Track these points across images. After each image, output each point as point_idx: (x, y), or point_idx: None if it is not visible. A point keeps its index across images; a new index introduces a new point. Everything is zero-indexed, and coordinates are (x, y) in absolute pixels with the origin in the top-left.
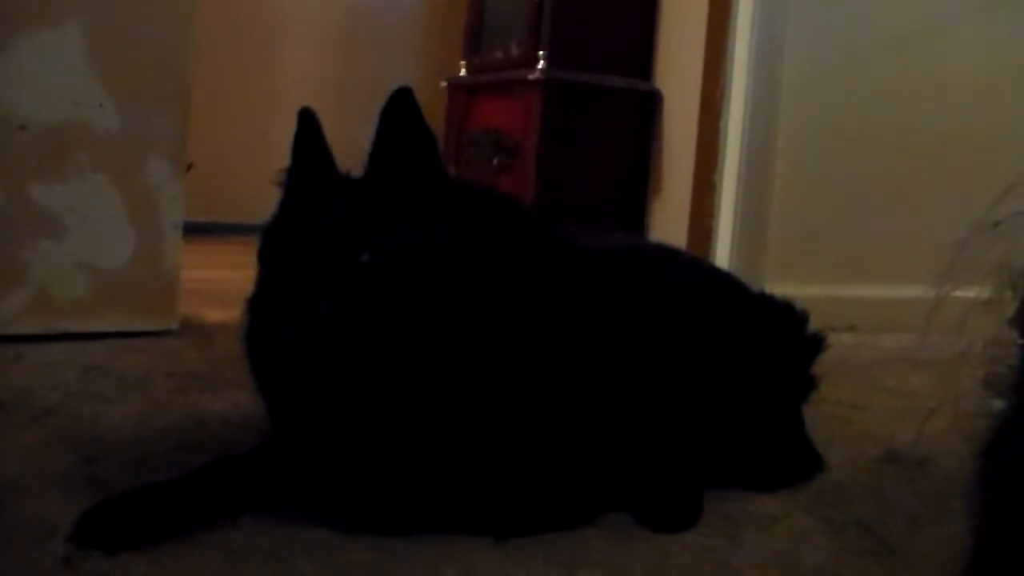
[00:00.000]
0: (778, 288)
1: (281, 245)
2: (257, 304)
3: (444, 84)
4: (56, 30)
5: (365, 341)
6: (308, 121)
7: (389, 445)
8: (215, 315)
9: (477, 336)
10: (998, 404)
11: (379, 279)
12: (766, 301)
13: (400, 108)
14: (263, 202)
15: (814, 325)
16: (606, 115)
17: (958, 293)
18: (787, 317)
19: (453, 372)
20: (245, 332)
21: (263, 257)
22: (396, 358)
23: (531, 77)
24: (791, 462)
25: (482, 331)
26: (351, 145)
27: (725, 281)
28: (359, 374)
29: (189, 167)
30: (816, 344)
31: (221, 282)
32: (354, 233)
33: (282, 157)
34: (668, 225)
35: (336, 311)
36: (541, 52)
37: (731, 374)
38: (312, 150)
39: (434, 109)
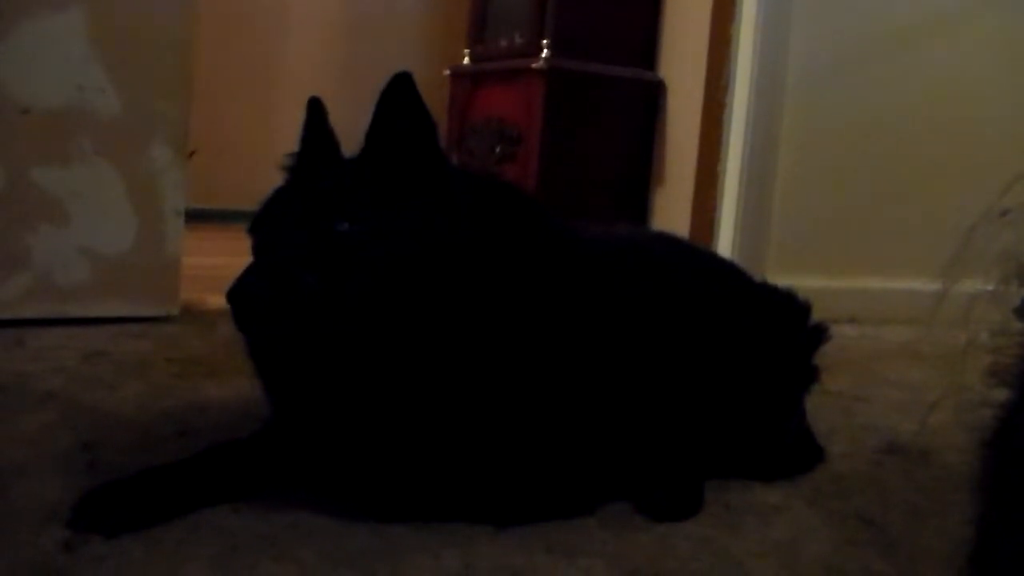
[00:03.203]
0: (780, 279)
1: (269, 216)
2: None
3: (447, 72)
4: (59, 14)
5: (338, 307)
6: (316, 110)
7: (382, 425)
8: (216, 301)
9: (457, 318)
10: (1002, 394)
11: (356, 248)
12: (768, 291)
13: (399, 92)
14: (265, 189)
15: (816, 316)
16: (610, 104)
17: (963, 284)
18: (789, 308)
19: (429, 350)
20: (227, 289)
21: (252, 228)
22: (370, 329)
23: (535, 66)
24: (792, 453)
25: (463, 314)
26: (353, 132)
27: (728, 271)
28: (334, 339)
29: (192, 153)
30: (818, 335)
31: (222, 268)
32: (335, 203)
33: (284, 144)
34: (671, 215)
35: (309, 274)
36: (545, 41)
37: (733, 364)
38: (319, 138)
39: (437, 98)
